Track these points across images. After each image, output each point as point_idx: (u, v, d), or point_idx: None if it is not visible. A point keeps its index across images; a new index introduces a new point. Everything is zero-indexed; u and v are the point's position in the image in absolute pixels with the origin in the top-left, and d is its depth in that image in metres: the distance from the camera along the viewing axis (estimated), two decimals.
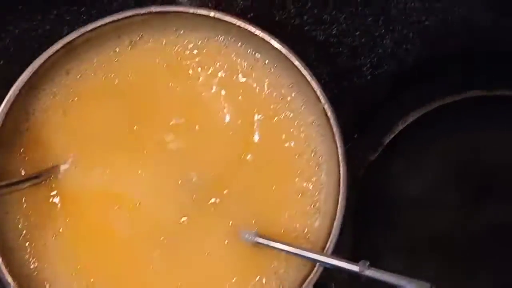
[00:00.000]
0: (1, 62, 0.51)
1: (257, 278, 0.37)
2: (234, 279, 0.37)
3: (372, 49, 0.53)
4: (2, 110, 0.36)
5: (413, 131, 0.51)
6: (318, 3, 0.54)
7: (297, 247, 0.35)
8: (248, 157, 0.40)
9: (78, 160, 0.39)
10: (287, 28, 0.53)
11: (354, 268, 0.32)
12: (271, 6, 0.54)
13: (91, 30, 0.39)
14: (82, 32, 0.39)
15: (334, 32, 0.54)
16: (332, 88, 0.50)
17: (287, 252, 0.35)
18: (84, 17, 0.53)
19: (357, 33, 0.54)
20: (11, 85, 0.50)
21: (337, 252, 0.36)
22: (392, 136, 0.50)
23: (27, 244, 0.38)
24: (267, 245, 0.36)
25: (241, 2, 0.54)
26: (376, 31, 0.54)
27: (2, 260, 0.35)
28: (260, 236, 0.36)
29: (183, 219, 0.39)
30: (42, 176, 0.38)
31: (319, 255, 0.34)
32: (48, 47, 0.51)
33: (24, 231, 0.38)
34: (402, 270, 0.31)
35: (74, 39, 0.39)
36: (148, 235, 0.38)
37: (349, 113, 0.51)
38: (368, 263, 0.31)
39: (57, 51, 0.38)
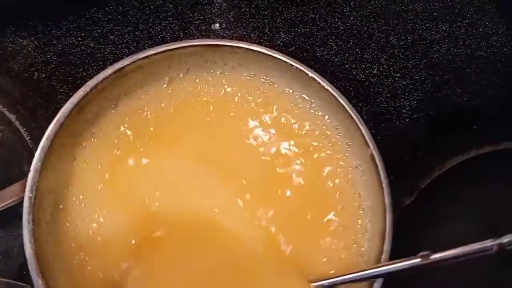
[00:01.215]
0: (43, 75, 0.51)
1: None
2: None
3: (412, 92, 0.53)
4: (52, 130, 0.35)
5: (450, 178, 0.50)
6: (360, 42, 0.54)
7: (357, 271, 0.35)
8: (288, 193, 0.40)
9: None
10: (328, 65, 0.53)
11: (417, 260, 0.31)
12: (313, 42, 0.54)
13: (143, 58, 0.39)
14: (134, 59, 0.38)
15: (374, 72, 0.54)
16: (369, 128, 0.50)
17: (354, 279, 0.35)
18: (128, 38, 0.53)
19: (398, 74, 0.54)
20: (50, 99, 0.51)
21: None
22: (429, 181, 0.50)
23: None
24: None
25: (284, 36, 0.54)
26: (417, 74, 0.54)
27: None
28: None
29: None
30: None
31: (383, 267, 0.34)
32: (90, 65, 0.52)
33: None
34: None
35: (125, 66, 0.38)
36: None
37: (386, 154, 0.50)
38: (427, 252, 0.31)
39: (109, 76, 0.38)
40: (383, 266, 0.34)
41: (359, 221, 0.38)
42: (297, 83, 0.40)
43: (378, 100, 0.53)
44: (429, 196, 0.50)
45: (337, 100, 0.38)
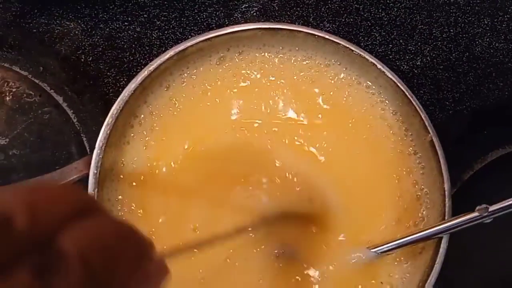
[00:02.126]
0: (90, 58, 0.52)
1: None
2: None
3: (455, 84, 0.53)
4: (116, 108, 0.36)
5: (492, 171, 0.50)
6: (403, 33, 0.55)
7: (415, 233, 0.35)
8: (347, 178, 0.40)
9: None
10: (371, 55, 0.53)
11: (476, 214, 0.32)
12: (357, 32, 0.55)
13: (204, 40, 0.39)
14: (196, 41, 0.39)
15: (418, 63, 0.54)
16: None
17: (410, 242, 0.35)
18: (174, 24, 0.53)
19: (441, 67, 0.54)
20: (97, 82, 0.52)
21: None
22: (471, 173, 0.50)
23: None
24: (391, 249, 0.35)
25: (328, 25, 0.55)
26: (460, 67, 0.54)
27: None
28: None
29: None
30: None
31: (439, 226, 0.34)
32: (136, 49, 0.52)
33: None
34: None
35: (187, 47, 0.39)
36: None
37: None
38: (484, 205, 0.31)
39: (171, 57, 0.38)
40: (443, 223, 0.34)
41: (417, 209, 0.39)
42: (355, 68, 0.41)
43: (421, 92, 0.53)
44: (471, 188, 0.50)
45: (397, 85, 0.38)
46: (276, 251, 0.37)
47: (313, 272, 0.36)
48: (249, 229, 0.36)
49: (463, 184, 0.50)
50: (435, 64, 0.54)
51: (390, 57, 0.54)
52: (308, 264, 0.37)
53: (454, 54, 0.54)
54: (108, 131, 0.36)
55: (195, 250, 0.35)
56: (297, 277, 0.36)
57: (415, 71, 0.54)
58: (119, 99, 0.36)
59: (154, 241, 0.22)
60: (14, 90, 0.50)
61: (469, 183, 0.50)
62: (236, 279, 0.36)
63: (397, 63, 0.54)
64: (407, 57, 0.54)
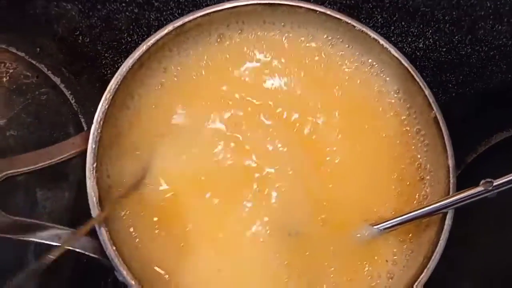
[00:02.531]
0: (87, 39, 0.51)
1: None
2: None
3: (458, 67, 0.53)
4: (114, 82, 0.35)
5: (496, 153, 0.50)
6: (405, 15, 0.54)
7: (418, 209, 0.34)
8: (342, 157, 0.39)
9: None
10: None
11: (480, 189, 0.32)
12: (358, 14, 0.54)
13: (203, 15, 0.38)
14: (194, 16, 0.38)
15: (420, 45, 0.53)
16: None
17: (414, 217, 0.34)
18: (173, 5, 0.53)
19: (444, 49, 0.53)
20: (95, 63, 0.51)
21: None
22: (475, 155, 0.50)
23: None
24: (394, 225, 0.35)
25: (329, 6, 0.54)
26: (463, 49, 0.53)
27: None
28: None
29: None
30: None
31: (443, 201, 0.34)
32: (134, 30, 0.52)
33: None
34: None
35: (185, 23, 0.38)
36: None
37: None
38: (489, 179, 0.31)
39: (169, 32, 0.37)
40: (448, 198, 0.34)
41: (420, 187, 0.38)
42: (357, 45, 0.40)
43: (424, 74, 0.51)
44: (475, 170, 0.50)
45: (400, 61, 0.37)
46: (288, 232, 0.37)
47: (321, 247, 0.36)
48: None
49: (467, 167, 0.50)
50: (438, 46, 0.53)
51: (392, 39, 0.53)
52: (317, 239, 0.36)
53: (457, 37, 0.54)
54: (106, 106, 0.35)
55: None
56: (307, 253, 0.36)
57: (418, 53, 0.53)
58: (116, 74, 0.36)
59: None
60: (11, 71, 0.49)
61: (472, 165, 0.50)
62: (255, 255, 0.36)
63: (399, 46, 0.53)
64: (410, 39, 0.53)
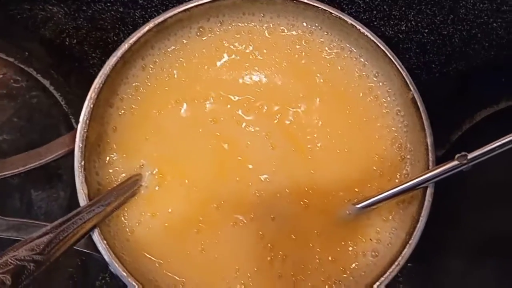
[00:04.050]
0: (74, 41, 0.52)
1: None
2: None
3: (441, 47, 0.53)
4: (98, 82, 0.36)
5: (480, 130, 0.51)
6: None
7: (398, 186, 0.35)
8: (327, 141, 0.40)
9: None
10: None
11: (455, 163, 0.32)
12: (340, 1, 0.54)
13: (183, 11, 0.39)
14: (175, 12, 0.39)
15: (403, 28, 0.54)
16: None
17: (394, 194, 0.35)
18: (157, 2, 0.53)
19: (426, 30, 0.54)
20: (83, 64, 0.52)
21: None
22: (460, 133, 0.50)
23: None
24: (375, 202, 0.36)
25: None
26: (445, 30, 0.54)
27: None
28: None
29: None
30: None
31: (421, 176, 0.34)
32: (120, 29, 0.52)
33: None
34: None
35: (166, 19, 0.39)
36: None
37: None
38: (464, 153, 0.32)
39: (150, 29, 0.38)
40: (425, 174, 0.34)
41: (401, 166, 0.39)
42: (335, 31, 0.41)
43: (407, 56, 0.53)
44: (460, 149, 0.50)
45: (377, 45, 0.38)
46: (272, 216, 0.38)
47: (305, 229, 0.37)
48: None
49: (452, 145, 0.50)
50: (420, 28, 0.54)
51: (375, 23, 0.54)
52: (301, 222, 0.37)
53: (438, 17, 0.54)
54: (92, 105, 0.36)
55: None
56: (292, 236, 0.37)
57: (400, 36, 0.54)
58: (100, 73, 0.36)
59: None
60: (1, 76, 0.50)
61: (457, 143, 0.50)
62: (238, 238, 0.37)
63: (382, 29, 0.54)
64: (392, 22, 0.54)
